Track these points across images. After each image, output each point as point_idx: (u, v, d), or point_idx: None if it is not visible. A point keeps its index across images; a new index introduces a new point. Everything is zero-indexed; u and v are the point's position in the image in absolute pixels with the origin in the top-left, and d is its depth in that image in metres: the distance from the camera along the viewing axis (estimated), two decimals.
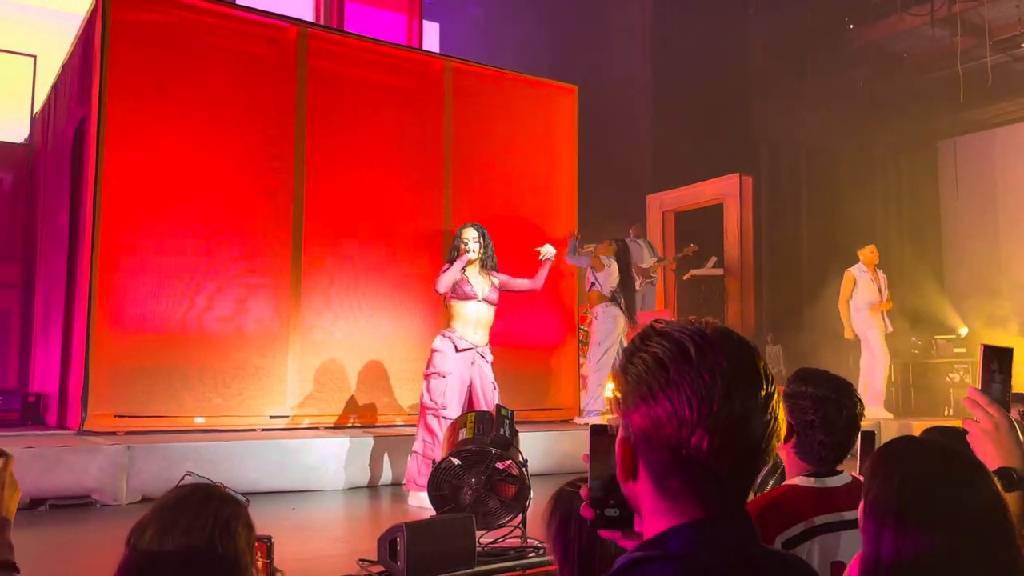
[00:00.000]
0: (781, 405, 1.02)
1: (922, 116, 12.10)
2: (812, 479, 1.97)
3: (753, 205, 11.63)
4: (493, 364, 5.51)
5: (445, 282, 5.33)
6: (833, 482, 1.97)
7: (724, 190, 11.68)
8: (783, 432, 1.03)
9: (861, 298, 8.86)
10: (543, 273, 5.66)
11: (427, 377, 5.32)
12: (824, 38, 12.14)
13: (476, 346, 5.35)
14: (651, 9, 13.58)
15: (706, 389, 0.97)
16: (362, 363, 7.10)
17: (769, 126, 12.38)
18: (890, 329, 8.96)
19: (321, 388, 6.94)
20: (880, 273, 9.04)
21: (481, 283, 5.37)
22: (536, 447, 6.20)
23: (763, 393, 0.99)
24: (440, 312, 7.33)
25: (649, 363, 1.00)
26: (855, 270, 8.95)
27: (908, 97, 11.96)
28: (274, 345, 6.79)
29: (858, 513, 1.30)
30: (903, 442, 1.34)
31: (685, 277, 11.09)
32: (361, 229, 7.25)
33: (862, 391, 8.77)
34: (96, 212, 6.15)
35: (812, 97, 12.03)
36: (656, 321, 1.05)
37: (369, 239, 7.28)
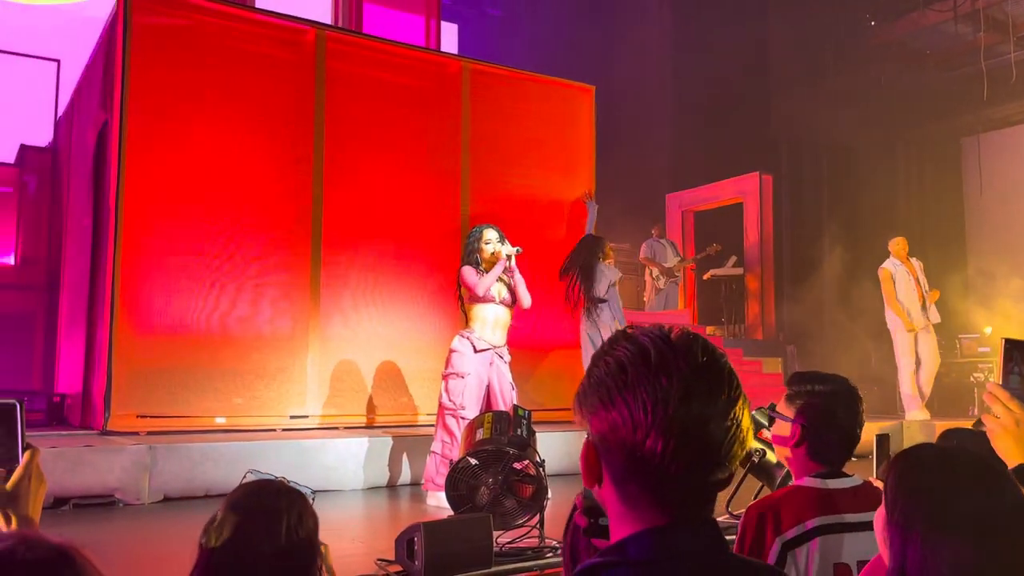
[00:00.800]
0: (746, 412, 1.01)
1: (945, 113, 11.97)
2: (818, 480, 1.96)
3: (773, 204, 11.57)
4: (510, 364, 5.52)
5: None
6: (839, 484, 1.96)
7: (744, 189, 11.62)
8: (748, 439, 1.01)
9: (902, 292, 8.64)
10: (518, 289, 5.43)
11: (445, 377, 5.33)
12: (845, 35, 12.04)
13: (494, 346, 5.36)
14: (670, 7, 13.55)
15: (662, 392, 0.96)
16: (381, 363, 7.14)
17: (789, 124, 12.30)
18: (937, 319, 8.74)
19: (340, 388, 6.98)
20: (915, 262, 8.83)
21: (499, 285, 5.39)
22: (553, 447, 6.19)
23: (724, 397, 0.98)
24: (457, 312, 7.41)
25: (611, 366, 1.01)
26: (889, 265, 8.73)
27: (931, 94, 11.85)
28: (294, 345, 6.85)
29: (875, 521, 1.29)
30: (926, 450, 1.32)
31: (705, 277, 11.05)
32: (379, 230, 7.29)
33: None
34: (118, 214, 6.21)
35: (833, 95, 11.95)
36: (629, 327, 1.06)
37: (387, 240, 7.31)
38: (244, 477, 1.91)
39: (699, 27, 12.69)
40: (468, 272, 5.38)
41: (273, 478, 1.66)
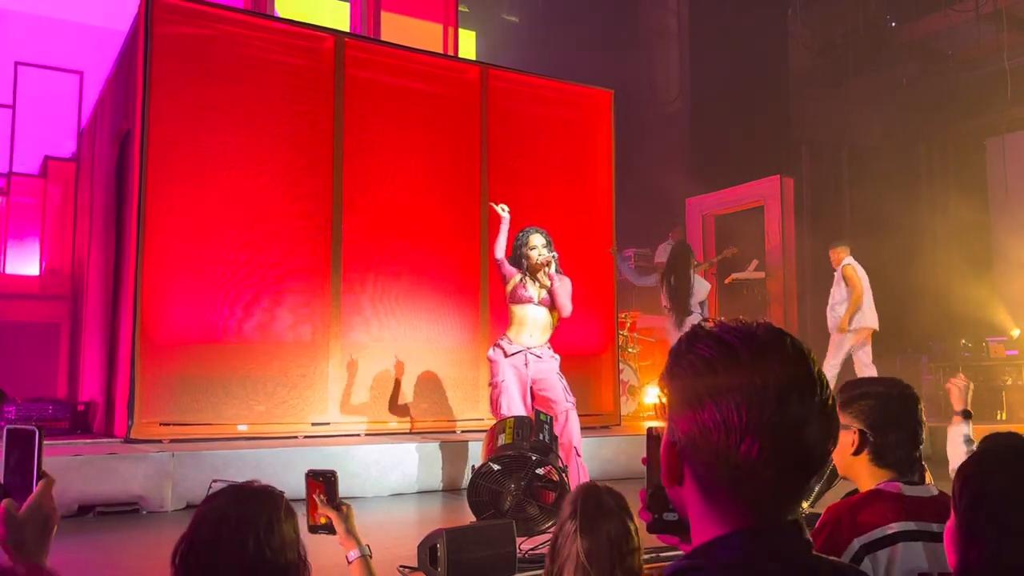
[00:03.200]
0: (835, 411, 1.00)
1: (969, 113, 11.81)
2: (899, 484, 1.90)
3: (795, 207, 11.48)
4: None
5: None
6: (918, 492, 1.89)
7: (765, 192, 11.53)
8: (838, 437, 1.00)
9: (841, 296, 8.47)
10: (558, 295, 5.35)
11: (489, 388, 5.43)
12: (866, 36, 11.90)
13: (528, 348, 5.35)
14: (688, 10, 13.45)
15: (756, 394, 0.94)
16: (402, 370, 7.17)
17: (810, 126, 12.22)
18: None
19: (361, 395, 7.01)
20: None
21: (537, 287, 5.41)
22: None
23: (817, 398, 0.97)
24: (477, 316, 7.49)
25: (698, 367, 0.98)
26: (853, 262, 8.52)
27: (954, 94, 11.70)
28: (315, 352, 6.88)
29: (947, 523, 1.27)
30: (1000, 443, 1.31)
31: (727, 281, 10.94)
32: (398, 235, 7.31)
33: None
34: (140, 223, 6.25)
35: (854, 96, 11.85)
36: (705, 320, 1.06)
37: (406, 245, 7.34)
38: (209, 488, 1.88)
39: (718, 28, 12.57)
40: (503, 265, 5.47)
41: (238, 485, 1.59)
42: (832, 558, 1.06)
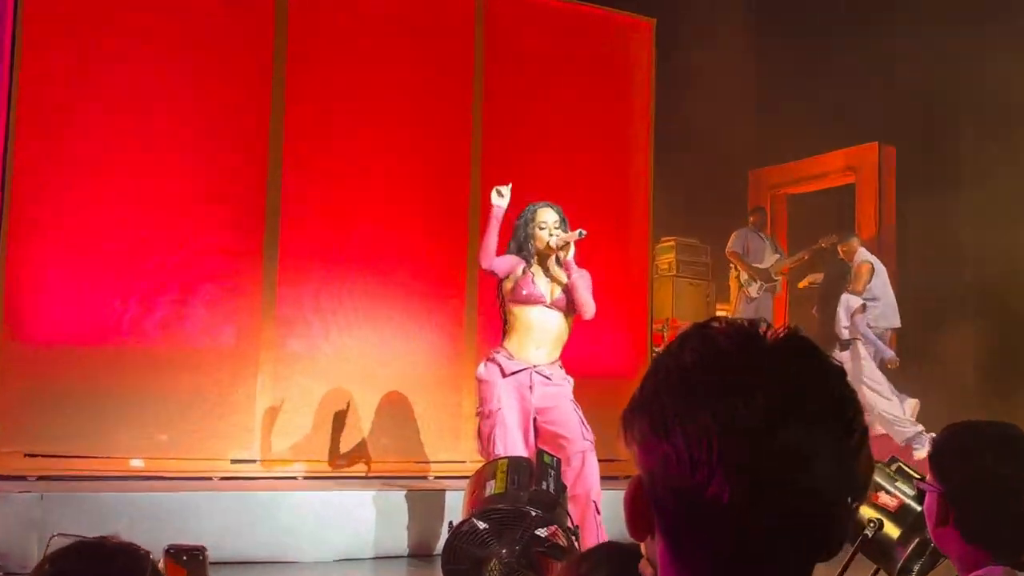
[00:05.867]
0: (868, 456, 0.98)
1: None
2: (1006, 571, 1.90)
3: (897, 184, 11.38)
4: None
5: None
6: None
7: (857, 163, 11.43)
8: (864, 489, 0.99)
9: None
10: (578, 290, 5.39)
11: (478, 419, 5.40)
12: None
13: (533, 365, 5.32)
14: None
15: (736, 414, 0.93)
16: (358, 393, 7.10)
17: (921, 78, 12.09)
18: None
19: (302, 424, 6.96)
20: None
21: (550, 283, 5.42)
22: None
23: (835, 429, 0.95)
24: (462, 321, 7.49)
25: (672, 375, 0.98)
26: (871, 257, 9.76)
27: None
28: (238, 364, 6.83)
29: None
30: None
31: (801, 285, 10.97)
32: (358, 212, 7.24)
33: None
34: (5, 184, 6.21)
35: (986, 39, 11.73)
36: (713, 318, 1.02)
37: (369, 223, 7.27)
38: (48, 545, 1.86)
39: None
40: (493, 269, 5.44)
41: (87, 542, 1.58)
42: None
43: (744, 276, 11.08)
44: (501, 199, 5.43)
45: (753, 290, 10.97)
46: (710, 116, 11.62)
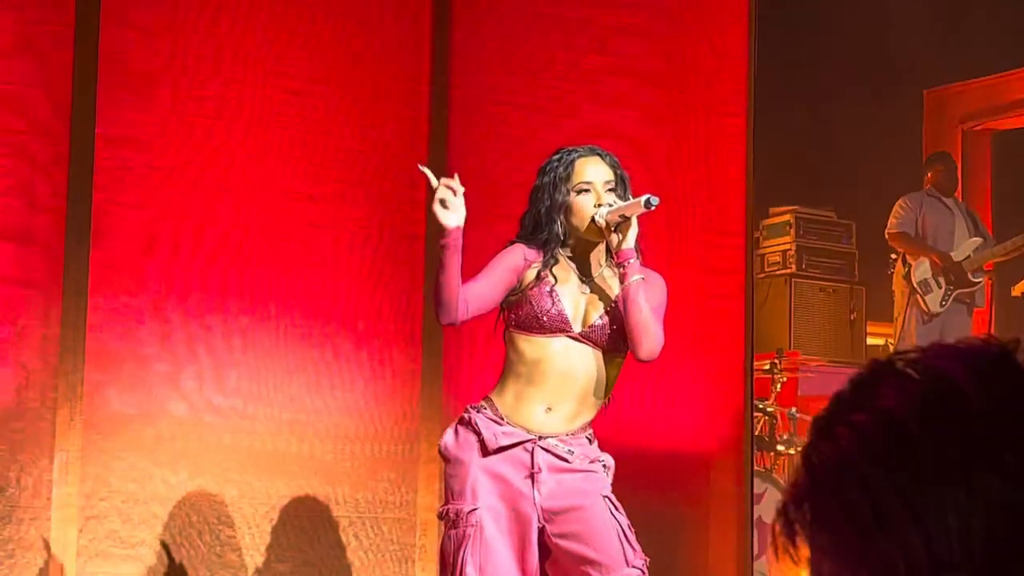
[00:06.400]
0: None
1: None
2: None
3: None
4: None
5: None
6: None
7: None
8: None
9: None
10: (633, 310, 4.40)
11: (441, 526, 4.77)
12: None
13: (540, 436, 4.38)
14: None
15: (1010, 484, 0.83)
16: (227, 478, 6.12)
17: None
18: None
19: (141, 545, 5.89)
20: None
21: (580, 295, 4.48)
22: None
23: None
24: (415, 368, 6.62)
25: (869, 438, 0.87)
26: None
27: None
28: (31, 427, 5.92)
29: None
30: None
31: (1015, 292, 9.19)
32: (235, 185, 6.19)
33: None
34: None
35: None
36: (908, 351, 0.91)
37: (253, 198, 6.21)
38: None
39: None
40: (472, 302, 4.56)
41: None
42: None
43: (919, 274, 9.31)
44: (451, 214, 4.31)
45: (934, 299, 9.24)
46: (860, 10, 10.73)
